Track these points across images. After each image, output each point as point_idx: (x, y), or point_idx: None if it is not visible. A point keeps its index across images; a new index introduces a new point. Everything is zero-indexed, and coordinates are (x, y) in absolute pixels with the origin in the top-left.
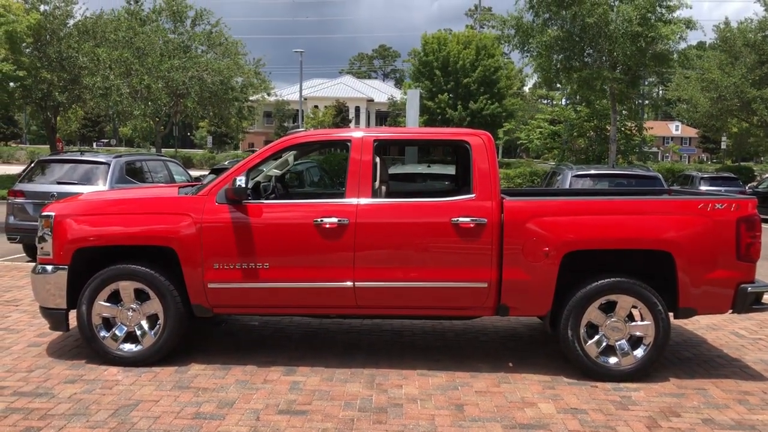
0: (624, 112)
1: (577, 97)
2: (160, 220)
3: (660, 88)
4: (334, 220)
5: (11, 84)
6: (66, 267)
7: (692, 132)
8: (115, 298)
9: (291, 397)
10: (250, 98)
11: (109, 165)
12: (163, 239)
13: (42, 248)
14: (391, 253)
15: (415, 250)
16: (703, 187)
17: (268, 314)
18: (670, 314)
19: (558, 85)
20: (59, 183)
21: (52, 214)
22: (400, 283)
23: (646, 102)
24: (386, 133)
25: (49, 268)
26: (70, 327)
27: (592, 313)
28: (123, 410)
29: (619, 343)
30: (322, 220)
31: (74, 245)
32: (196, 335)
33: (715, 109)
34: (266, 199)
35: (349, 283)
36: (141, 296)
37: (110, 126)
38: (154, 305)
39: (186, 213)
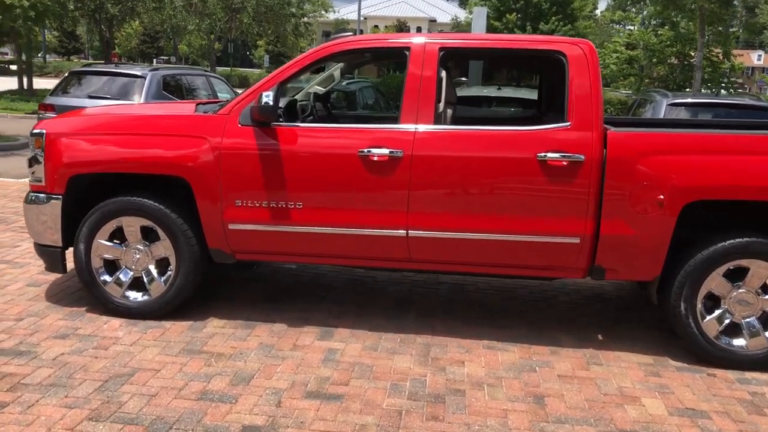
0: (710, 36)
1: (657, 20)
2: (171, 144)
3: (743, 14)
4: (385, 151)
5: None
6: (60, 197)
7: None
8: (119, 236)
9: (324, 372)
10: (308, 15)
11: (145, 78)
12: (173, 167)
13: (33, 173)
14: (455, 195)
15: (486, 193)
16: None
17: (300, 263)
18: None
19: (633, 9)
20: (91, 97)
21: (44, 131)
22: (464, 233)
23: (734, 28)
24: (456, 39)
25: (42, 197)
26: (68, 269)
27: (715, 281)
28: (113, 382)
29: (747, 320)
30: (369, 151)
31: (69, 171)
32: (217, 280)
33: None
34: (302, 122)
35: (401, 231)
36: (149, 236)
37: (170, 43)
38: (165, 247)
39: (202, 136)
